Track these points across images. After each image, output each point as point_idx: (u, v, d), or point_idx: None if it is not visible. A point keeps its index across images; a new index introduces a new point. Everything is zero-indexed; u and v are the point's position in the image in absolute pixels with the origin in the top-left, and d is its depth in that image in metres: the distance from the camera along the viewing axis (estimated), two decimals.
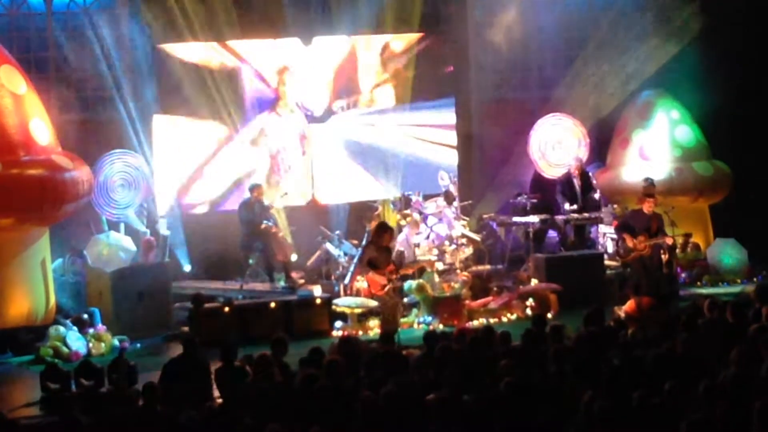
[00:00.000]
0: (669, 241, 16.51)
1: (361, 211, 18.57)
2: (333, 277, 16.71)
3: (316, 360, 10.44)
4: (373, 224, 17.53)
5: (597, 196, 18.79)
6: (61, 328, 15.28)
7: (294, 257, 17.56)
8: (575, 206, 18.32)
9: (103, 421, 9.01)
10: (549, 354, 9.82)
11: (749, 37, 19.44)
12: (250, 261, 17.45)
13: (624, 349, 9.98)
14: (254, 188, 17.41)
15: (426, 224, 17.50)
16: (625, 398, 8.30)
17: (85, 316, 15.79)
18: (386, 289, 15.26)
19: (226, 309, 15.64)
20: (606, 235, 18.51)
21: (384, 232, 15.42)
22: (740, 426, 7.76)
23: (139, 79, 18.48)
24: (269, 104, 19.04)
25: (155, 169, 18.21)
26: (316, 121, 19.24)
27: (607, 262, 17.80)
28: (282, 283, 17.15)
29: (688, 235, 17.87)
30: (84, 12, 18.84)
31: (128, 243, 17.59)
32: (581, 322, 11.66)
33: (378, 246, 15.25)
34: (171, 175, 18.50)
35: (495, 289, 16.84)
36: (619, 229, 16.56)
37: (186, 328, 15.79)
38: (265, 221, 17.21)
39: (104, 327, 15.73)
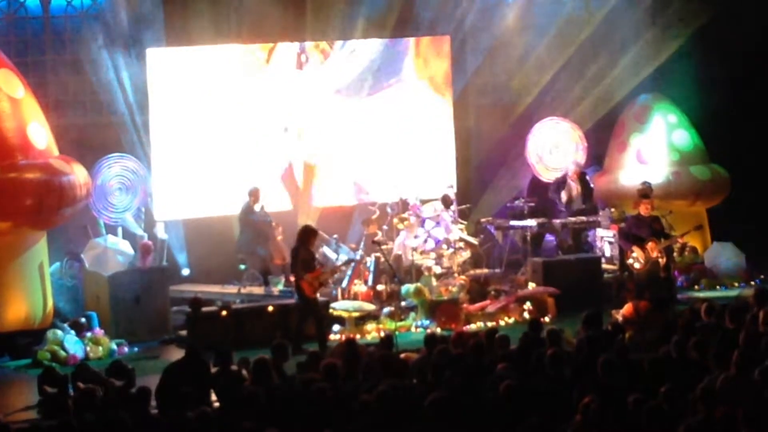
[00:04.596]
0: (679, 240, 16.59)
1: (359, 214, 18.58)
2: (330, 281, 16.70)
3: (314, 364, 10.44)
4: (372, 228, 17.59)
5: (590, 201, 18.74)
6: (59, 332, 15.27)
7: None
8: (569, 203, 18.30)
9: (100, 424, 9.01)
10: (546, 358, 9.82)
11: (747, 41, 19.45)
12: (241, 267, 17.44)
13: (621, 353, 9.98)
14: (253, 192, 17.41)
15: (423, 228, 17.50)
16: (622, 402, 8.31)
17: (83, 319, 15.79)
18: (317, 292, 15.24)
19: (224, 313, 15.63)
20: (603, 239, 18.50)
21: (311, 234, 15.40)
22: (738, 430, 7.77)
23: (136, 82, 18.45)
24: (267, 107, 19.03)
25: (153, 173, 18.19)
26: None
27: (604, 266, 17.81)
28: (280, 287, 17.14)
29: (698, 228, 17.81)
30: (81, 16, 18.84)
31: (126, 247, 17.57)
32: (579, 324, 11.68)
33: (307, 248, 15.25)
34: (169, 178, 18.48)
35: (493, 292, 16.85)
36: (626, 241, 16.43)
37: (184, 332, 15.78)
38: (265, 222, 17.29)
39: (102, 331, 15.73)
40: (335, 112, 19.35)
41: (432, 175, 19.52)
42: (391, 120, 19.66)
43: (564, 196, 18.35)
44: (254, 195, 17.37)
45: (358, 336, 15.03)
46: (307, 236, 15.27)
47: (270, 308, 15.85)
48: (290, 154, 19.19)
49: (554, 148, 19.84)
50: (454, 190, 18.84)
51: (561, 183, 18.66)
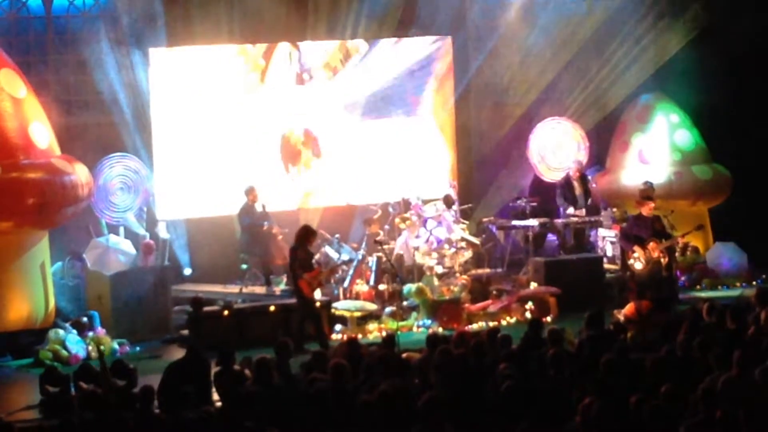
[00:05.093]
0: (680, 241, 16.61)
1: (361, 214, 18.58)
2: (332, 281, 16.70)
3: (319, 364, 10.43)
4: (373, 228, 17.60)
5: (591, 200, 18.74)
6: (61, 332, 15.28)
7: None
8: (577, 210, 18.30)
9: (102, 424, 9.02)
10: (547, 358, 9.82)
11: (748, 40, 19.44)
12: (243, 266, 17.44)
13: (623, 353, 9.98)
14: (249, 191, 17.40)
15: (425, 228, 17.50)
16: (623, 401, 8.31)
17: (85, 319, 15.79)
18: (314, 292, 15.25)
19: (226, 312, 15.65)
20: (605, 239, 18.51)
21: (310, 234, 15.37)
22: (739, 430, 7.77)
23: (138, 82, 18.47)
24: (269, 107, 19.04)
25: (155, 173, 18.21)
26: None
27: (606, 266, 17.81)
28: (282, 287, 17.15)
29: (699, 228, 17.84)
30: (83, 16, 18.85)
31: (128, 246, 17.59)
32: (582, 324, 11.68)
33: (305, 249, 15.28)
34: (171, 178, 18.49)
35: (494, 292, 16.83)
36: (627, 241, 16.42)
37: (185, 332, 15.79)
38: (265, 223, 17.27)
39: (103, 330, 15.74)
40: (339, 121, 19.34)
41: (434, 175, 19.53)
42: (393, 137, 19.68)
43: (571, 209, 18.33)
44: (251, 194, 17.35)
45: (359, 336, 15.02)
46: (305, 236, 15.28)
47: (272, 308, 15.86)
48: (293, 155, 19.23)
49: (556, 148, 19.84)
50: (456, 189, 18.84)
51: (565, 186, 18.62)
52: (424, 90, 19.83)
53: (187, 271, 18.47)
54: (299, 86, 19.18)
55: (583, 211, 18.34)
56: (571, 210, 18.35)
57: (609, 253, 18.30)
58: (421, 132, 19.84)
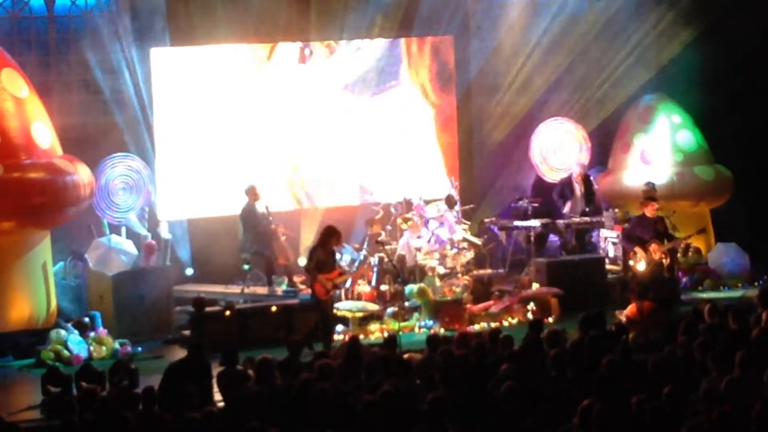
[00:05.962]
0: (683, 243, 16.62)
1: (363, 214, 18.58)
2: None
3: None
4: (375, 228, 17.59)
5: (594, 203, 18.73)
6: (62, 332, 15.28)
7: (302, 261, 17.56)
8: (573, 210, 18.28)
9: (104, 424, 9.02)
10: (549, 358, 9.82)
11: (751, 41, 19.45)
12: (245, 267, 17.42)
13: (624, 353, 9.98)
14: (249, 190, 17.35)
15: (427, 228, 17.50)
16: (625, 402, 8.31)
17: (86, 319, 15.80)
18: (329, 294, 15.10)
19: (228, 313, 15.64)
20: (607, 240, 18.50)
21: (332, 235, 15.22)
22: (740, 430, 7.77)
23: (140, 82, 18.47)
24: (271, 106, 19.04)
25: (157, 173, 18.20)
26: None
27: (608, 266, 17.80)
28: (283, 287, 17.14)
29: (701, 231, 17.84)
30: (85, 15, 18.85)
31: (129, 246, 17.59)
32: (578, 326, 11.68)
33: (326, 249, 15.16)
34: (173, 178, 18.48)
35: (496, 293, 16.84)
36: (629, 242, 16.41)
37: (187, 332, 15.79)
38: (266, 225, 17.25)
39: (105, 330, 15.74)
40: (339, 109, 19.35)
41: (436, 176, 19.52)
42: (393, 121, 19.66)
43: (568, 205, 18.33)
44: (251, 193, 17.28)
45: (361, 336, 15.00)
46: (327, 237, 15.12)
47: (273, 308, 15.86)
48: (293, 153, 19.22)
49: (558, 149, 19.82)
50: (458, 190, 18.84)
51: (565, 185, 18.62)
52: (400, 58, 19.86)
53: (189, 272, 18.46)
54: (302, 66, 19.12)
55: (580, 216, 18.29)
56: (568, 206, 18.30)
57: (611, 254, 18.29)
58: (415, 101, 19.86)
